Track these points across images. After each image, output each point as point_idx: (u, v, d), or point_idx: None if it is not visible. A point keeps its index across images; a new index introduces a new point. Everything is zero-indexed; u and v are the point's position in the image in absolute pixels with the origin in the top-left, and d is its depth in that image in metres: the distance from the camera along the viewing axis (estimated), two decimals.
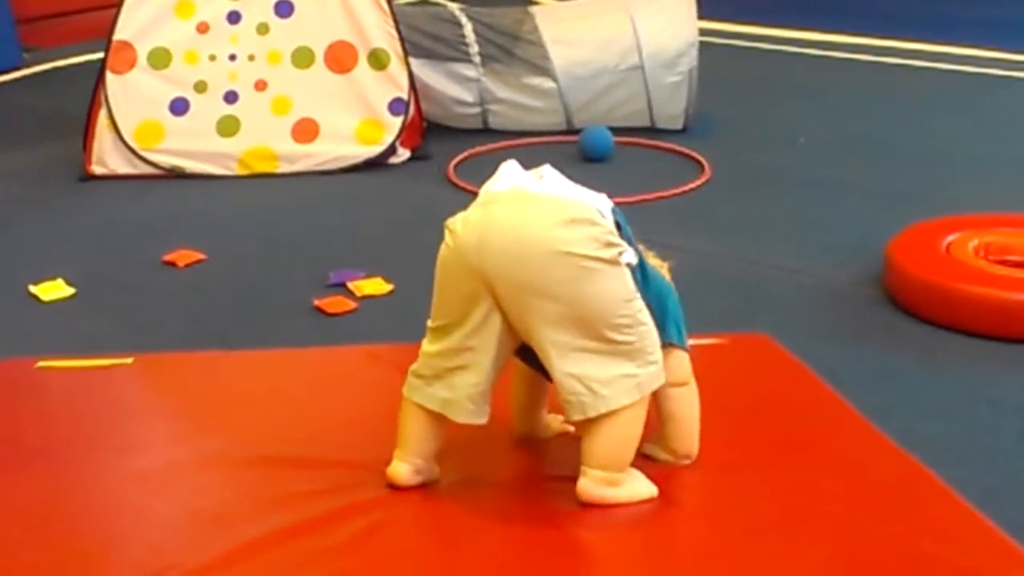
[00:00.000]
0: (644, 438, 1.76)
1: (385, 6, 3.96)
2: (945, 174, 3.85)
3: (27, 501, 1.81)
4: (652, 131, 4.27)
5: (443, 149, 4.07)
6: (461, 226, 1.76)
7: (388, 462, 1.85)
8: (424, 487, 1.81)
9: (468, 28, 4.31)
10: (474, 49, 4.30)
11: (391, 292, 2.99)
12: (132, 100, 3.89)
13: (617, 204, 1.72)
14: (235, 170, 3.92)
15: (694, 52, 4.25)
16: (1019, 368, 2.53)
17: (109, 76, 3.88)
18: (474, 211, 1.78)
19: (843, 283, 3.00)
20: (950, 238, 2.89)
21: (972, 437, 2.25)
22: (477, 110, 4.34)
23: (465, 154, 4.03)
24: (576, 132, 4.16)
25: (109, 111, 3.87)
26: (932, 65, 5.30)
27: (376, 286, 3.00)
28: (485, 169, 3.94)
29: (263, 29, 3.95)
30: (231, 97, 3.94)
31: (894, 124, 4.45)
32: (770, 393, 2.16)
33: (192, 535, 1.72)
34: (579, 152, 4.03)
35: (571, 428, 1.85)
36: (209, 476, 1.88)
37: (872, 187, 3.73)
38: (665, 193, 3.59)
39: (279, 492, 1.81)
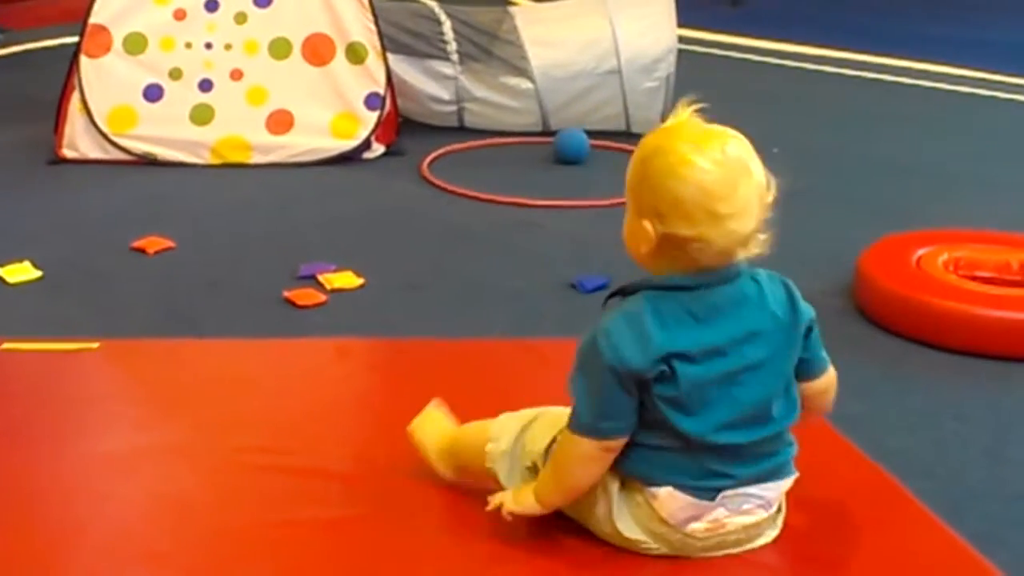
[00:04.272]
0: None
1: (365, 0, 3.94)
2: (918, 189, 3.87)
3: None
4: (628, 135, 4.27)
5: (417, 146, 4.06)
6: None
7: (353, 455, 1.84)
8: (388, 481, 1.80)
9: (447, 26, 4.30)
10: (452, 47, 4.29)
11: (361, 286, 2.97)
12: (106, 85, 3.85)
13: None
14: (208, 159, 3.89)
15: (672, 58, 4.26)
16: (986, 383, 2.54)
17: (83, 60, 3.84)
18: None
19: (813, 293, 2.97)
20: (921, 252, 2.90)
21: (939, 450, 2.26)
22: (453, 108, 4.33)
23: (440, 152, 4.02)
24: (552, 134, 4.16)
25: (82, 95, 3.83)
26: (908, 81, 5.32)
27: (346, 280, 2.99)
28: (459, 167, 4.00)
29: (241, 18, 3.93)
30: (206, 85, 3.91)
31: (868, 137, 4.47)
32: None
33: (157, 521, 1.71)
34: (554, 154, 4.02)
35: None
36: (174, 463, 1.86)
37: (845, 199, 3.74)
38: None
39: (244, 481, 1.80)
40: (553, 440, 1.66)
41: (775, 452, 1.64)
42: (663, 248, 1.56)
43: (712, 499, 1.59)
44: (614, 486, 1.63)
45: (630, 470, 1.61)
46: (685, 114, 1.62)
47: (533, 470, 1.68)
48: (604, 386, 1.55)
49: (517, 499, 1.65)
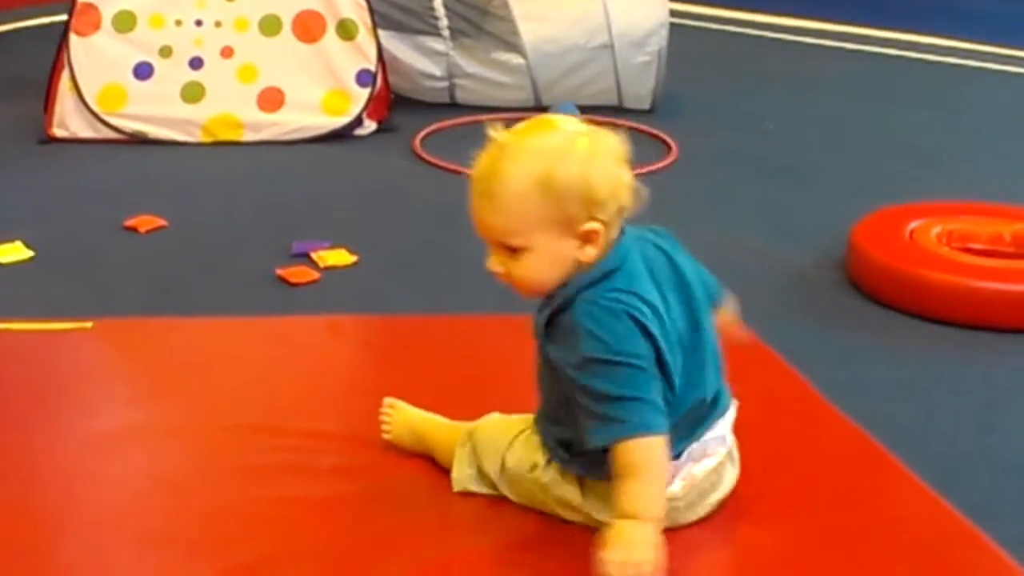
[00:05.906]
0: None
1: None
2: (911, 162, 3.87)
3: None
4: (620, 110, 4.26)
5: (409, 122, 4.05)
6: None
7: (347, 432, 1.84)
8: (383, 456, 1.80)
9: (438, 1, 4.28)
10: (443, 23, 4.28)
11: (355, 264, 2.97)
12: (95, 63, 3.83)
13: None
14: (199, 137, 3.88)
15: (664, 32, 4.24)
16: (979, 354, 2.55)
17: (73, 38, 3.82)
18: None
19: (807, 266, 3.01)
20: (913, 224, 2.90)
21: (931, 421, 2.27)
22: (445, 84, 4.32)
23: (431, 128, 4.02)
24: (544, 109, 4.14)
25: (72, 74, 3.82)
26: (902, 54, 5.32)
27: (340, 257, 2.99)
28: (451, 143, 3.99)
29: None
30: (196, 63, 3.89)
31: (862, 111, 4.47)
32: (730, 372, 2.16)
33: (152, 500, 1.71)
34: None
35: None
36: (168, 442, 1.86)
37: (838, 173, 3.74)
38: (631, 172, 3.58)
39: (239, 460, 1.80)
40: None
41: (720, 392, 1.65)
42: (598, 241, 1.54)
43: (679, 458, 1.59)
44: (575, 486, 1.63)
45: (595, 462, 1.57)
46: (499, 133, 1.57)
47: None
48: (639, 379, 1.51)
49: (636, 548, 1.46)
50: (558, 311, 1.56)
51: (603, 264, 1.55)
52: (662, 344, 1.53)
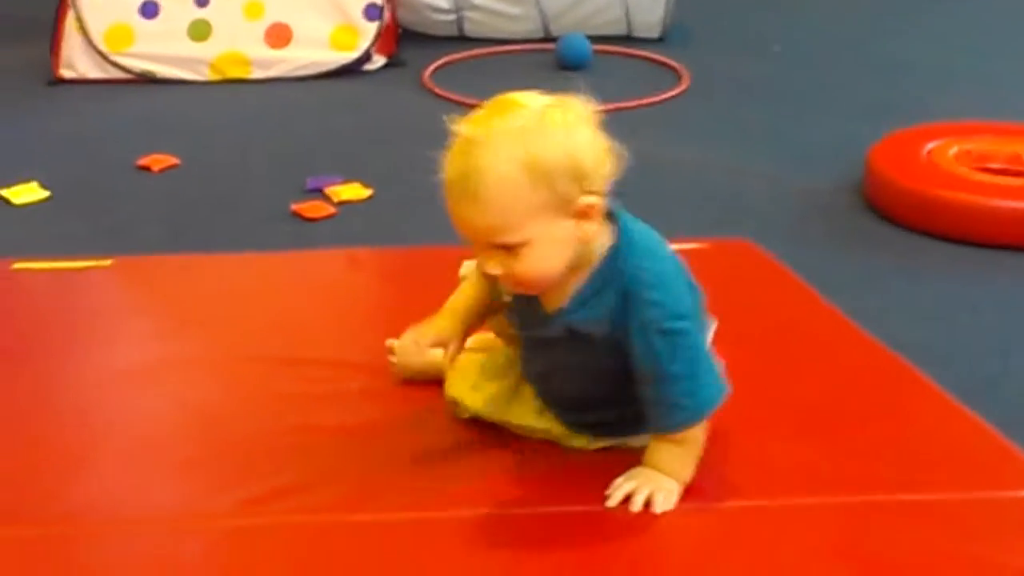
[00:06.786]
0: None
1: None
2: (921, 82, 3.84)
3: (7, 398, 1.79)
4: (629, 39, 4.23)
5: (418, 56, 4.02)
6: None
7: (369, 361, 1.84)
8: (405, 385, 1.80)
9: None
10: None
11: (369, 198, 2.96)
12: (101, 2, 3.82)
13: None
14: (207, 75, 3.86)
15: None
16: (999, 273, 2.55)
17: None
18: None
19: (822, 191, 3.00)
20: (931, 145, 2.89)
21: (954, 341, 2.27)
22: (452, 17, 4.29)
23: (441, 61, 3.99)
24: (553, 40, 4.12)
25: (78, 13, 3.79)
26: None
27: (354, 191, 2.98)
28: (461, 77, 3.96)
29: None
30: (202, 0, 3.86)
31: (870, 33, 4.43)
32: (755, 296, 2.15)
33: (181, 430, 1.71)
34: (556, 60, 3.98)
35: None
36: (196, 373, 1.86)
37: (849, 95, 3.72)
38: (643, 101, 3.56)
39: (264, 390, 1.80)
40: None
41: None
42: (596, 214, 1.43)
43: None
44: None
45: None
46: (461, 125, 1.42)
47: None
48: (700, 343, 1.49)
49: (668, 498, 1.48)
50: (596, 292, 1.46)
51: (624, 229, 1.47)
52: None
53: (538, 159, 1.37)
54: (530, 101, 1.43)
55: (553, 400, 1.62)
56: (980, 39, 4.37)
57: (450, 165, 1.42)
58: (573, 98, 1.43)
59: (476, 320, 1.64)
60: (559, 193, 1.39)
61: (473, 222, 1.40)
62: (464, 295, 1.64)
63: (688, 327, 1.46)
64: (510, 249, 1.40)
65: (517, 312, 1.57)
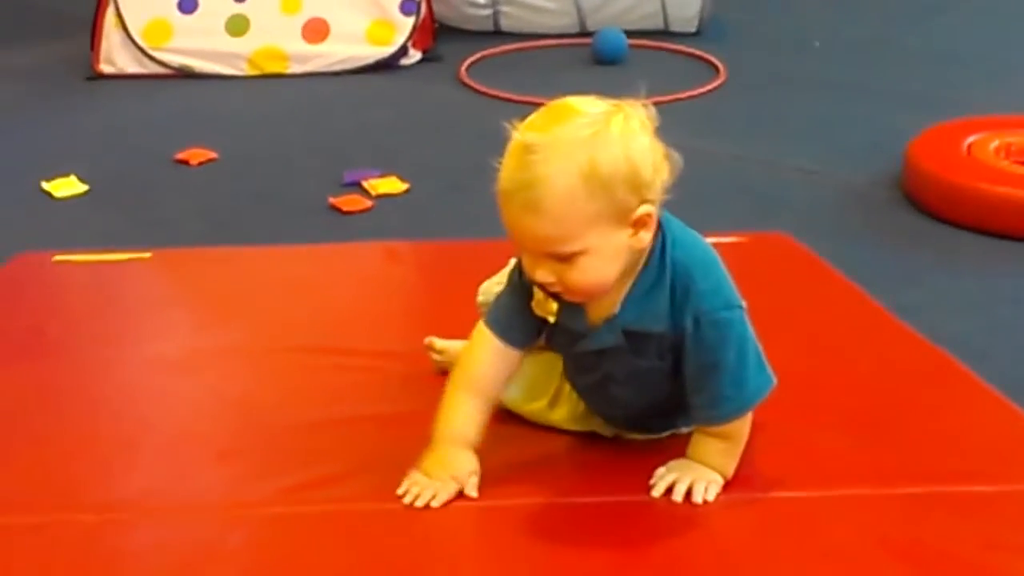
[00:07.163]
0: None
1: None
2: (959, 76, 3.82)
3: (52, 388, 1.80)
4: (666, 34, 4.23)
5: (454, 51, 4.03)
6: None
7: (409, 352, 1.84)
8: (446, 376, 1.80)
9: None
10: None
11: (406, 191, 2.97)
12: None
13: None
14: (245, 70, 3.88)
15: None
16: None
17: None
18: None
19: (861, 184, 2.99)
20: (971, 139, 2.87)
21: (994, 334, 2.25)
22: (488, 12, 4.29)
23: (477, 56, 3.99)
24: (589, 35, 4.11)
25: (117, 9, 3.83)
26: None
27: (391, 185, 2.99)
28: (497, 71, 3.97)
29: None
30: None
31: (908, 26, 4.41)
32: (793, 289, 2.15)
33: (222, 419, 1.72)
34: (592, 55, 3.98)
35: None
36: (234, 363, 1.87)
37: (887, 89, 3.70)
38: (680, 95, 3.55)
39: (304, 380, 1.81)
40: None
41: None
42: (652, 224, 1.40)
43: None
44: None
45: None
46: (519, 132, 1.38)
47: None
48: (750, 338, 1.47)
49: (710, 489, 1.48)
50: (648, 291, 1.44)
51: (665, 224, 1.44)
52: None
53: (598, 169, 1.34)
54: (589, 107, 1.39)
55: (606, 411, 1.60)
56: (1021, 32, 4.33)
57: (507, 173, 1.38)
58: (630, 103, 1.40)
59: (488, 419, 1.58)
60: (617, 203, 1.36)
61: (532, 232, 1.37)
62: (475, 401, 1.56)
63: (738, 316, 1.45)
64: (564, 258, 1.38)
65: (562, 330, 1.53)
